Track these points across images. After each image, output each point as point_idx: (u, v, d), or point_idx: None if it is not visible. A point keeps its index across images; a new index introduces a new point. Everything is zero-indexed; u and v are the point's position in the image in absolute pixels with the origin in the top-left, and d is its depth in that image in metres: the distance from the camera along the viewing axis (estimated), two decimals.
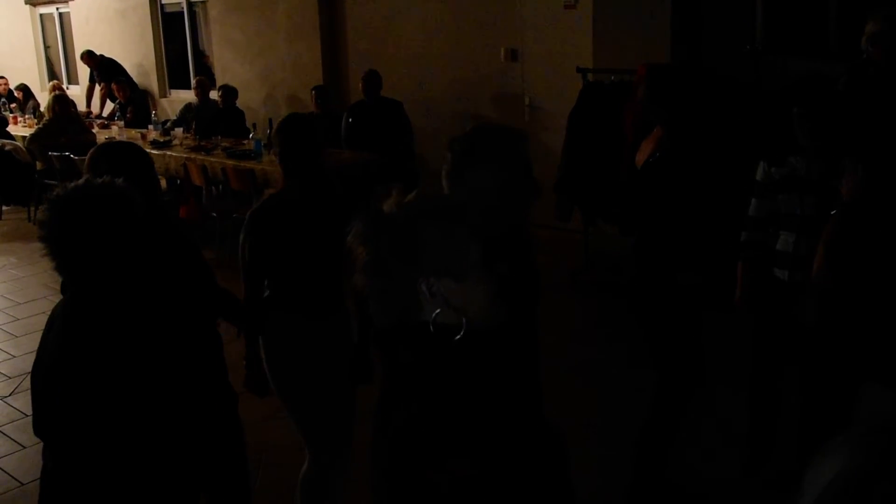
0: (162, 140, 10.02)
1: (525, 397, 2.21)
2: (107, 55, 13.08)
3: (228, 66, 11.98)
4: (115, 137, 10.51)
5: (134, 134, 10.69)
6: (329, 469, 3.66)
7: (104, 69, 12.89)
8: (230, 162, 8.65)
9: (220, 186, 9.15)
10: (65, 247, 2.27)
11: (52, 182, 10.09)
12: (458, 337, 1.80)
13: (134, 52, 13.45)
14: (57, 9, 15.12)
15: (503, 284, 1.90)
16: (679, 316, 3.91)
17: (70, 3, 14.44)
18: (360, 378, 3.65)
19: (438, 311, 1.81)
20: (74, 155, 9.49)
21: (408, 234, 1.81)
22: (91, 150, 3.25)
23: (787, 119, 3.98)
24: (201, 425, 2.60)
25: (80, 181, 2.37)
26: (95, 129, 11.14)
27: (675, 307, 3.89)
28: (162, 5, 13.22)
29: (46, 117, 10.61)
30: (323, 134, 3.80)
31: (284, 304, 3.55)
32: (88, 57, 12.86)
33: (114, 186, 2.36)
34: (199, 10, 12.94)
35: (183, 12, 12.96)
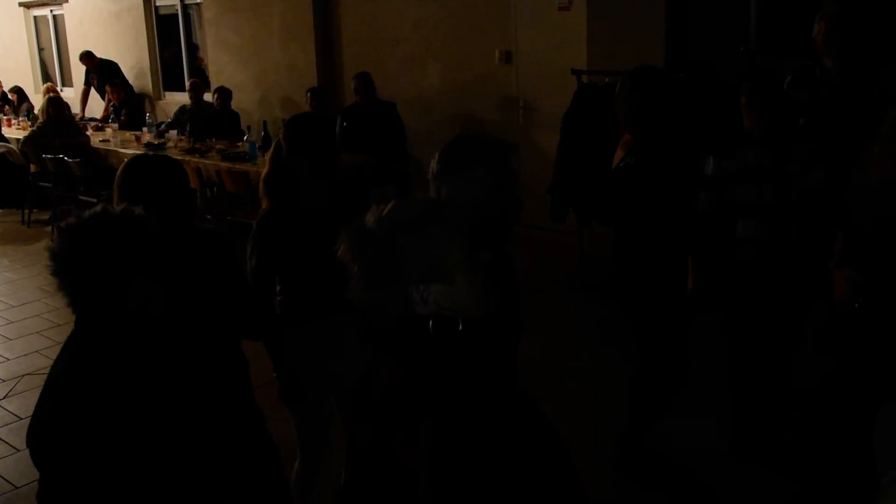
0: (156, 142, 10.02)
1: (509, 377, 2.26)
2: (102, 57, 13.05)
3: (223, 68, 11.97)
4: (109, 140, 10.52)
5: (128, 136, 10.68)
6: (319, 467, 3.70)
7: (103, 72, 12.85)
8: (225, 164, 8.64)
9: (215, 189, 9.15)
10: (74, 274, 2.18)
11: (46, 184, 10.10)
12: (460, 329, 1.86)
13: (128, 54, 13.44)
14: (51, 11, 15.11)
15: (488, 272, 1.94)
16: (662, 315, 4.02)
17: (64, 5, 14.43)
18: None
19: (434, 317, 1.85)
20: (68, 157, 9.48)
21: (389, 247, 1.83)
22: (123, 165, 3.05)
23: (734, 110, 4.09)
24: (222, 451, 2.52)
25: (95, 209, 2.24)
26: (89, 132, 11.12)
27: (657, 307, 4.01)
28: (156, 7, 13.21)
29: (40, 120, 10.60)
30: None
31: (297, 314, 3.48)
32: (88, 58, 12.81)
33: (126, 214, 2.24)
34: (193, 12, 12.93)
35: (177, 14, 12.95)
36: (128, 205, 2.28)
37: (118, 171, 3.01)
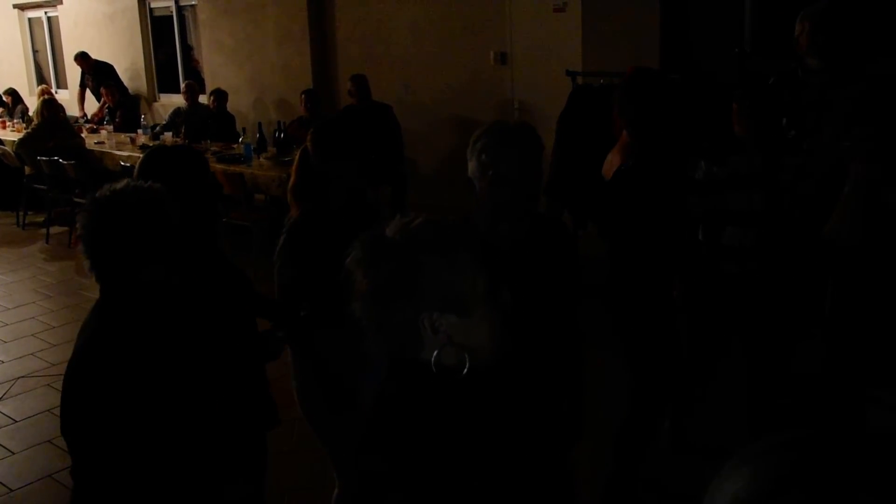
0: (151, 144, 10.01)
1: (537, 436, 2.06)
2: (96, 59, 13.04)
3: (218, 70, 11.97)
4: (104, 142, 10.51)
5: (123, 138, 10.67)
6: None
7: (98, 73, 12.83)
8: (220, 166, 8.63)
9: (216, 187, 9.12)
10: (96, 248, 2.28)
11: (41, 187, 10.09)
12: (465, 372, 1.68)
13: (123, 56, 13.42)
14: (45, 13, 15.08)
15: (506, 315, 1.76)
16: (654, 322, 3.97)
17: (58, 6, 14.41)
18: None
19: (442, 348, 1.67)
20: (63, 159, 9.48)
21: (410, 264, 1.66)
22: (145, 154, 3.09)
23: (728, 113, 4.11)
24: (231, 435, 2.55)
25: (121, 184, 2.36)
26: (84, 134, 11.11)
27: (650, 314, 3.95)
28: (151, 9, 13.20)
29: (35, 122, 10.59)
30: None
31: (322, 321, 3.30)
32: (82, 59, 12.79)
33: (151, 190, 2.36)
34: (188, 13, 12.92)
35: (172, 16, 12.94)
36: (152, 181, 2.41)
37: (140, 160, 3.03)
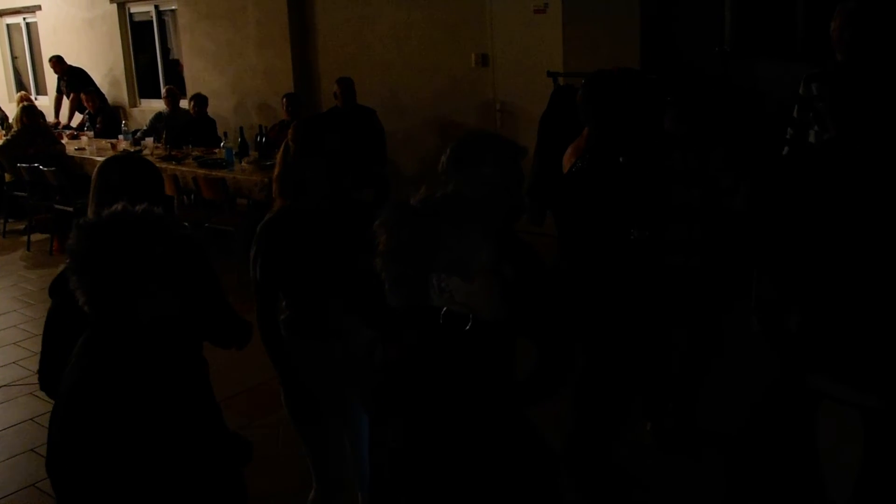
0: (132, 150, 9.96)
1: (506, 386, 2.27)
2: (75, 65, 12.98)
3: (199, 74, 11.93)
4: (84, 149, 10.46)
5: (104, 144, 10.63)
6: (337, 497, 3.51)
7: (72, 78, 12.80)
8: (201, 171, 8.61)
9: (192, 196, 9.11)
10: (94, 275, 2.10)
11: (21, 194, 10.02)
12: (468, 328, 1.94)
13: (103, 61, 13.37)
14: (24, 19, 15.01)
15: (508, 286, 2.02)
16: (613, 315, 3.98)
17: (37, 13, 14.34)
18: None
19: (446, 305, 1.95)
20: (43, 166, 9.42)
21: (428, 229, 1.93)
22: (102, 162, 3.05)
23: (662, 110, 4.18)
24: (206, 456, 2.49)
25: (115, 208, 2.16)
26: (64, 140, 11.06)
27: (609, 312, 3.96)
28: (131, 14, 13.15)
29: (14, 128, 10.53)
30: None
31: (303, 328, 3.32)
32: (57, 63, 12.75)
33: (146, 213, 2.16)
34: (168, 18, 12.88)
35: (152, 21, 12.89)
36: (148, 204, 2.21)
37: (94, 171, 3.00)
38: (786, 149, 4.89)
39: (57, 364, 2.63)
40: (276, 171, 3.37)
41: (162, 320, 2.21)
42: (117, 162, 3.11)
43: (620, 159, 3.81)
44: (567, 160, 4.07)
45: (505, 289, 2.01)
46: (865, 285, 2.88)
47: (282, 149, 3.38)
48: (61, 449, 2.16)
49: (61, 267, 2.40)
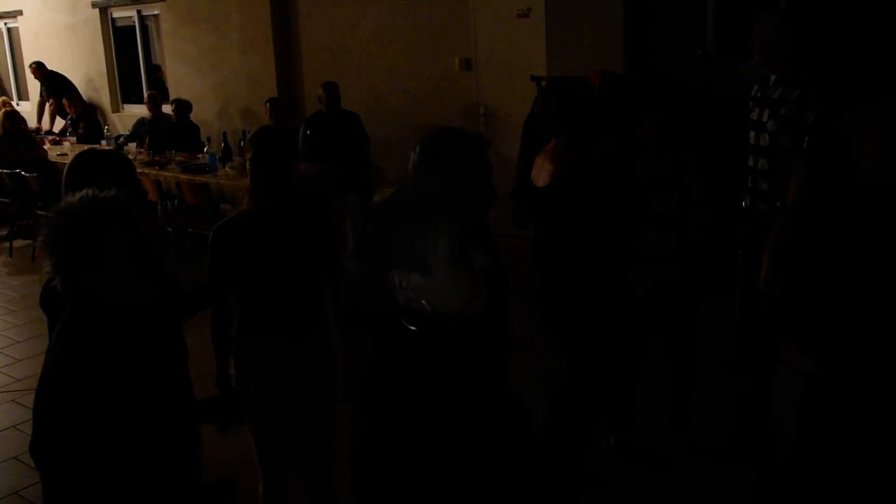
0: None
1: (491, 378, 2.24)
2: (57, 70, 12.93)
3: (182, 79, 11.90)
4: (67, 154, 10.41)
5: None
6: (281, 488, 3.62)
7: (53, 83, 12.75)
8: (185, 176, 8.58)
9: (175, 201, 9.08)
10: (67, 258, 2.23)
11: (3, 200, 9.97)
12: (419, 328, 1.91)
13: (85, 66, 13.31)
14: (5, 24, 14.93)
15: (482, 275, 2.00)
16: (589, 320, 4.02)
17: (18, 17, 14.27)
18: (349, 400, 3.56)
19: (407, 301, 1.92)
20: (25, 172, 9.37)
21: (380, 227, 1.93)
22: (73, 157, 3.16)
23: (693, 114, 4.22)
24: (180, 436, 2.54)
25: (86, 193, 2.31)
26: (46, 146, 11.01)
27: (585, 315, 4.00)
28: (113, 19, 13.10)
29: None
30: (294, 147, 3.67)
31: (256, 329, 3.44)
32: (37, 68, 12.71)
33: (119, 198, 2.33)
34: (151, 23, 12.84)
35: (135, 26, 12.85)
36: (116, 189, 2.36)
37: (67, 165, 3.12)
38: (751, 159, 4.98)
39: None
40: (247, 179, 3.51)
41: (131, 301, 2.33)
42: (84, 157, 3.21)
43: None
44: (537, 168, 4.09)
45: (477, 280, 1.98)
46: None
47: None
48: (44, 422, 2.25)
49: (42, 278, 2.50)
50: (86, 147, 10.58)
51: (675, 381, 4.54)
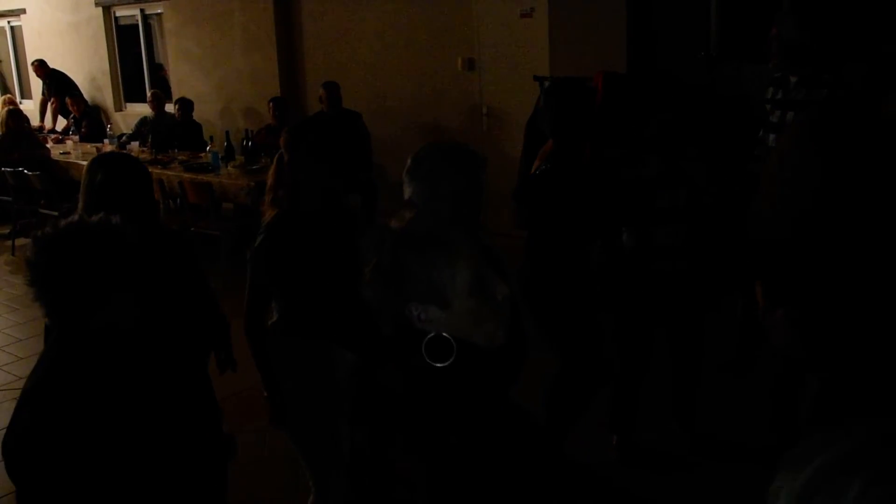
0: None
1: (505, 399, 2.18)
2: (60, 69, 12.94)
3: (185, 78, 11.90)
4: (69, 153, 10.42)
5: (89, 148, 10.58)
6: (338, 496, 3.47)
7: (55, 82, 12.75)
8: (187, 175, 8.58)
9: (178, 200, 9.08)
10: (53, 287, 2.11)
11: (6, 198, 9.97)
12: (447, 364, 1.79)
13: (88, 65, 13.32)
14: (8, 22, 14.94)
15: (506, 306, 1.88)
16: (574, 313, 4.11)
17: (22, 16, 14.28)
18: None
19: (430, 335, 1.83)
20: (28, 170, 9.38)
21: (395, 256, 1.84)
22: (88, 163, 3.09)
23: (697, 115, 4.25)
24: (190, 468, 2.43)
25: (72, 218, 2.18)
26: (49, 144, 11.01)
27: (570, 306, 4.08)
28: (116, 18, 13.11)
29: None
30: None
31: (301, 329, 3.31)
32: (39, 66, 12.72)
33: (103, 223, 2.18)
34: (154, 22, 12.84)
35: (138, 25, 12.85)
36: (104, 213, 2.22)
37: (84, 170, 3.04)
38: (757, 149, 5.00)
39: None
40: (269, 181, 3.38)
41: (118, 328, 2.20)
42: (102, 161, 3.12)
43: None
44: (535, 167, 4.17)
45: (501, 311, 1.84)
46: None
47: (276, 159, 3.41)
48: (18, 442, 2.14)
49: None
50: (88, 146, 10.65)
51: (679, 377, 4.56)
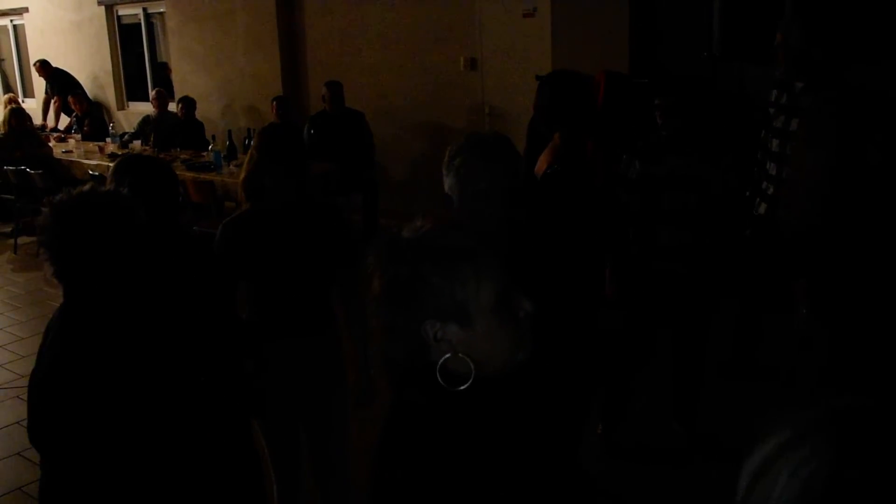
0: (120, 153, 9.93)
1: (550, 446, 1.97)
2: (62, 67, 12.94)
3: (187, 77, 11.90)
4: (72, 151, 10.42)
5: (92, 147, 10.59)
6: (295, 488, 3.61)
7: (57, 81, 12.76)
8: (190, 174, 8.58)
9: (180, 199, 9.06)
10: (62, 252, 2.24)
11: (8, 196, 9.98)
12: (465, 387, 1.64)
13: (90, 64, 13.32)
14: (11, 21, 14.94)
15: (527, 324, 1.73)
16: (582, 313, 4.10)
17: (24, 15, 14.28)
18: (364, 400, 3.56)
19: (447, 356, 1.65)
20: (30, 169, 9.38)
21: (411, 270, 1.65)
22: (116, 162, 3.18)
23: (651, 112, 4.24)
24: (210, 436, 2.52)
25: (84, 188, 2.32)
26: (52, 143, 11.02)
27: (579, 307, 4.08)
28: (119, 17, 13.11)
29: (2, 131, 10.48)
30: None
31: (268, 327, 3.40)
32: (41, 67, 12.73)
33: (115, 195, 2.34)
34: (156, 21, 12.84)
35: (140, 24, 12.85)
36: (115, 187, 2.40)
37: (111, 169, 3.12)
38: (759, 153, 5.00)
39: None
40: (241, 175, 3.48)
41: (128, 292, 2.32)
42: (128, 164, 3.18)
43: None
44: (539, 164, 4.12)
45: (522, 329, 1.70)
46: None
47: (248, 155, 3.51)
48: (43, 420, 2.26)
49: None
50: (91, 144, 10.66)
51: (681, 378, 4.57)
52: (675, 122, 4.12)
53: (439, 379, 1.63)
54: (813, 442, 0.93)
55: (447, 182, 2.78)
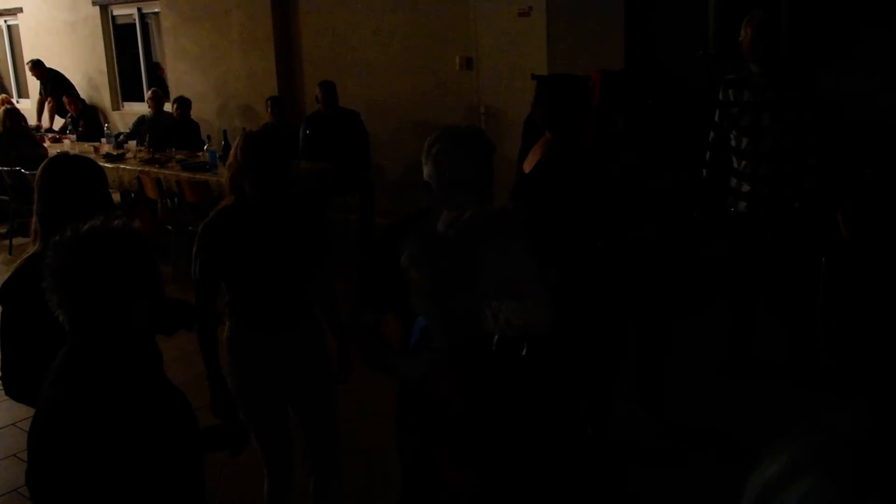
0: (115, 153, 9.92)
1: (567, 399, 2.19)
2: (57, 68, 12.92)
3: (182, 77, 11.88)
4: (69, 151, 10.40)
5: (87, 147, 10.57)
6: (287, 486, 3.63)
7: (52, 82, 12.74)
8: (185, 174, 8.57)
9: (175, 199, 9.07)
10: (75, 295, 2.04)
11: (3, 197, 9.96)
12: (524, 353, 1.77)
13: (85, 64, 13.30)
14: (5, 21, 14.92)
15: (554, 292, 1.86)
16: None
17: (18, 15, 14.26)
18: (342, 378, 3.65)
19: (503, 332, 1.76)
20: (25, 170, 9.37)
21: (467, 257, 1.74)
22: (43, 163, 3.13)
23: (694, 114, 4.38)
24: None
25: (91, 224, 2.09)
26: (46, 144, 11.00)
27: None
28: (113, 17, 13.09)
29: None
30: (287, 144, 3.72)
31: (248, 322, 3.45)
32: (35, 67, 12.71)
33: (125, 227, 2.12)
34: (151, 21, 12.83)
35: (135, 24, 12.84)
36: (125, 217, 2.20)
37: (39, 168, 3.09)
38: (708, 154, 5.04)
39: (21, 369, 2.68)
40: (226, 176, 3.60)
41: (139, 332, 2.18)
42: (56, 163, 3.16)
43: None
44: (528, 160, 4.20)
45: (552, 296, 1.81)
46: None
47: (230, 156, 3.58)
48: (43, 466, 2.10)
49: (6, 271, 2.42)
50: (86, 145, 10.64)
51: (645, 365, 4.67)
52: (623, 117, 4.25)
53: (494, 350, 1.74)
54: (821, 469, 0.90)
55: (426, 170, 2.87)
